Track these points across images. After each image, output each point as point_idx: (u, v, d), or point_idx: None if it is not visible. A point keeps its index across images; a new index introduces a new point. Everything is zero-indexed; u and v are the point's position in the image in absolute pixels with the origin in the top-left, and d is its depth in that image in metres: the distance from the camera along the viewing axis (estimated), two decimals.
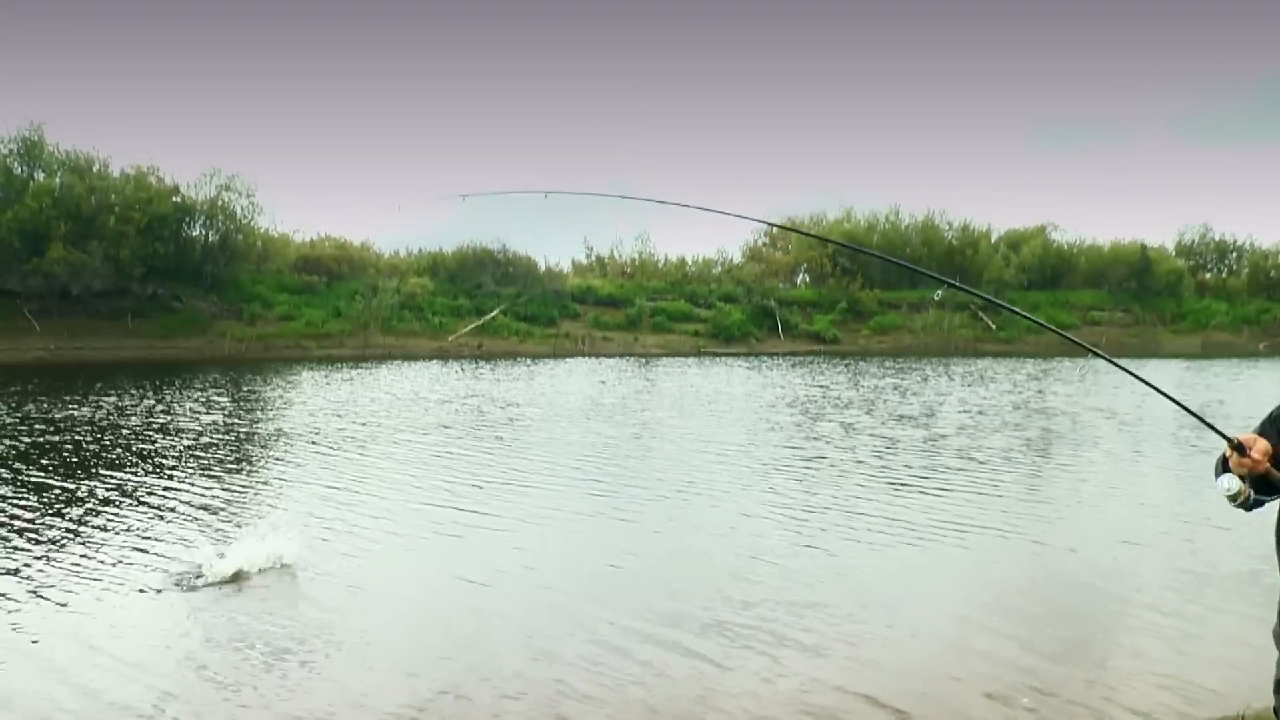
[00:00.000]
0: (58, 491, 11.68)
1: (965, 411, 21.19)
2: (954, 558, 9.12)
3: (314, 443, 15.97)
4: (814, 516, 10.67)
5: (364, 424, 18.37)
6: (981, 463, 14.41)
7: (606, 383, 28.57)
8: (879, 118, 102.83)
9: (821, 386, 27.42)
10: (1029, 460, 14.89)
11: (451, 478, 13.01)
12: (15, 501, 11.05)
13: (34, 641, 6.56)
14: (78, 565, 8.38)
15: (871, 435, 17.34)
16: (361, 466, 13.80)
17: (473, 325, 46.53)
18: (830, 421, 19.32)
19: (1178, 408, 3.50)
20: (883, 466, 14.05)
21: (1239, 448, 3.07)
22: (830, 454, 15.21)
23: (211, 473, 13.13)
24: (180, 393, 23.89)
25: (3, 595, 7.49)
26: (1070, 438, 17.27)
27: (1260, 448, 3.05)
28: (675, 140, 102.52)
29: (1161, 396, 3.52)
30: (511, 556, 8.86)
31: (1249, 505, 3.15)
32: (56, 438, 16.06)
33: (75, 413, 19.39)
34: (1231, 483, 3.10)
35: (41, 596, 7.50)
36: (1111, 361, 3.74)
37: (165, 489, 11.87)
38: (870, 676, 6.09)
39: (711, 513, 10.94)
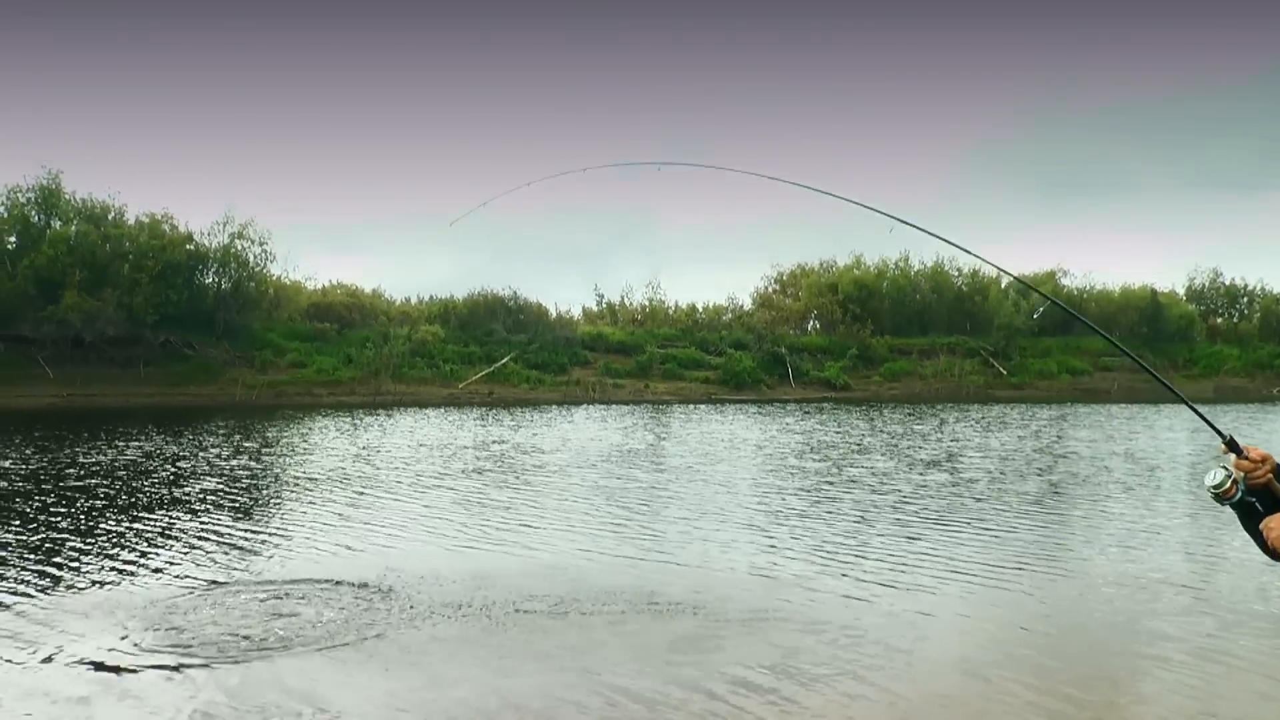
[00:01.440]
0: (66, 535, 11.59)
1: (985, 455, 21.03)
2: (982, 600, 8.97)
3: (345, 488, 15.89)
4: (835, 558, 10.53)
5: (396, 468, 18.29)
6: (1001, 506, 14.25)
7: (627, 429, 28.47)
8: (884, 168, 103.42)
9: (839, 432, 27.29)
10: (1048, 504, 14.72)
11: (493, 519, 12.90)
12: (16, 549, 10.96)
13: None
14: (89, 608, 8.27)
15: (890, 479, 17.20)
16: (404, 511, 13.70)
17: (483, 373, 46.56)
18: (852, 467, 19.18)
19: (1204, 429, 3.46)
20: (901, 510, 13.90)
21: (1232, 444, 3.13)
22: (850, 497, 15.08)
23: (233, 517, 13.03)
24: (195, 438, 23.87)
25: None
26: (1090, 481, 17.10)
27: (1259, 453, 3.07)
28: (678, 190, 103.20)
29: (1188, 410, 3.66)
30: (553, 589, 8.75)
31: (1237, 503, 3.10)
32: (63, 483, 16.01)
33: (84, 458, 19.36)
34: (1216, 474, 3.10)
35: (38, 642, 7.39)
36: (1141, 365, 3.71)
37: (198, 530, 11.78)
38: (883, 716, 5.96)
39: (734, 551, 10.81)
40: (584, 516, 13.43)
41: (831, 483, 16.89)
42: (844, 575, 9.84)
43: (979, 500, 14.93)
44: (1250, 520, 3.12)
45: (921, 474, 18.01)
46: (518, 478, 17.46)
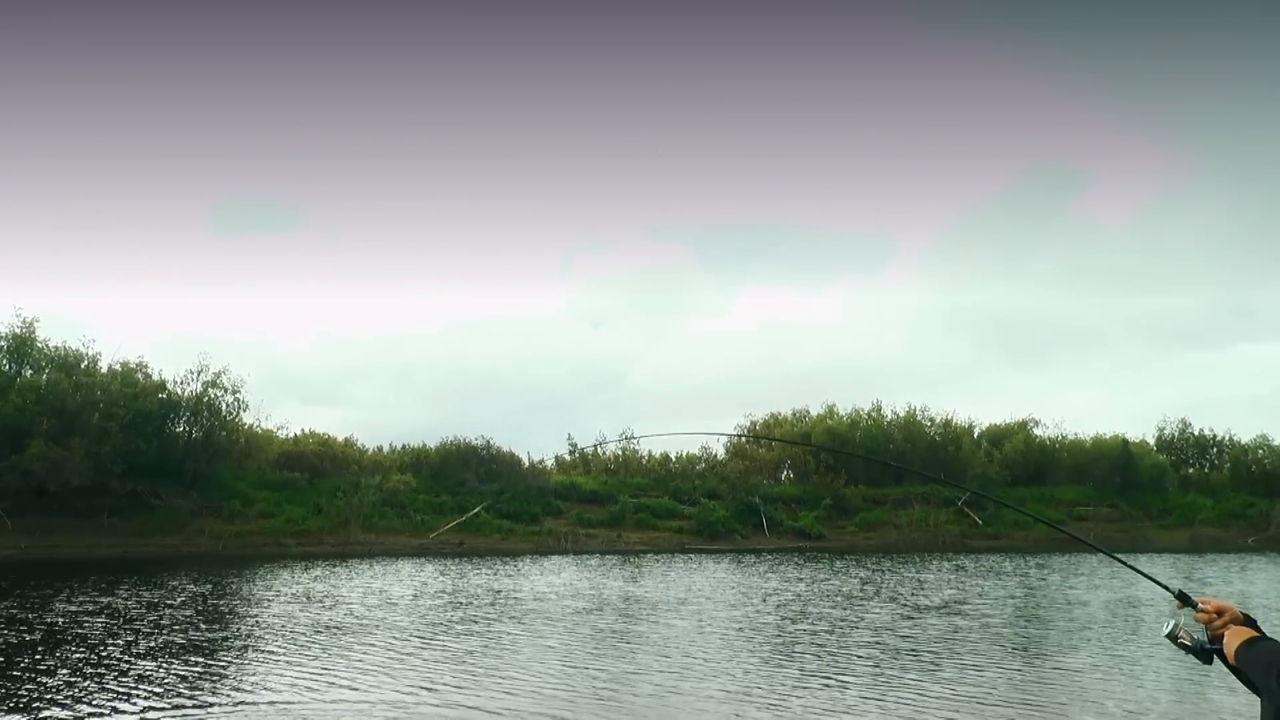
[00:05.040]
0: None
1: (962, 604, 20.76)
2: None
3: (304, 649, 15.45)
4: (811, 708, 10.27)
5: (363, 623, 17.84)
6: (980, 657, 14.01)
7: (605, 579, 27.99)
8: (853, 317, 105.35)
9: (815, 582, 26.92)
10: (1023, 654, 14.49)
11: (459, 669, 12.55)
12: None
13: None
14: None
15: (868, 630, 16.91)
16: (367, 669, 13.31)
17: (455, 522, 45.89)
18: (826, 618, 18.87)
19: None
20: (875, 661, 13.63)
21: (1182, 596, 3.29)
22: (822, 647, 14.79)
23: (184, 681, 12.63)
24: (151, 592, 23.26)
25: None
26: (1065, 630, 16.88)
27: (1214, 605, 3.18)
28: (648, 341, 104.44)
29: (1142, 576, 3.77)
30: None
31: (1199, 651, 3.21)
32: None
33: (28, 614, 18.82)
34: (1167, 624, 3.27)
35: None
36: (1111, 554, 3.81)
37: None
38: None
39: (705, 702, 10.54)
40: (557, 668, 13.10)
41: (809, 633, 16.58)
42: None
43: (961, 649, 14.67)
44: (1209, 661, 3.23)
45: (915, 620, 17.74)
46: (488, 628, 17.07)
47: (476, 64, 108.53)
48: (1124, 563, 4.03)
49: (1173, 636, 3.26)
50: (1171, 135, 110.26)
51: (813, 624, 17.91)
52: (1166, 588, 3.41)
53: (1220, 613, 3.19)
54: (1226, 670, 3.09)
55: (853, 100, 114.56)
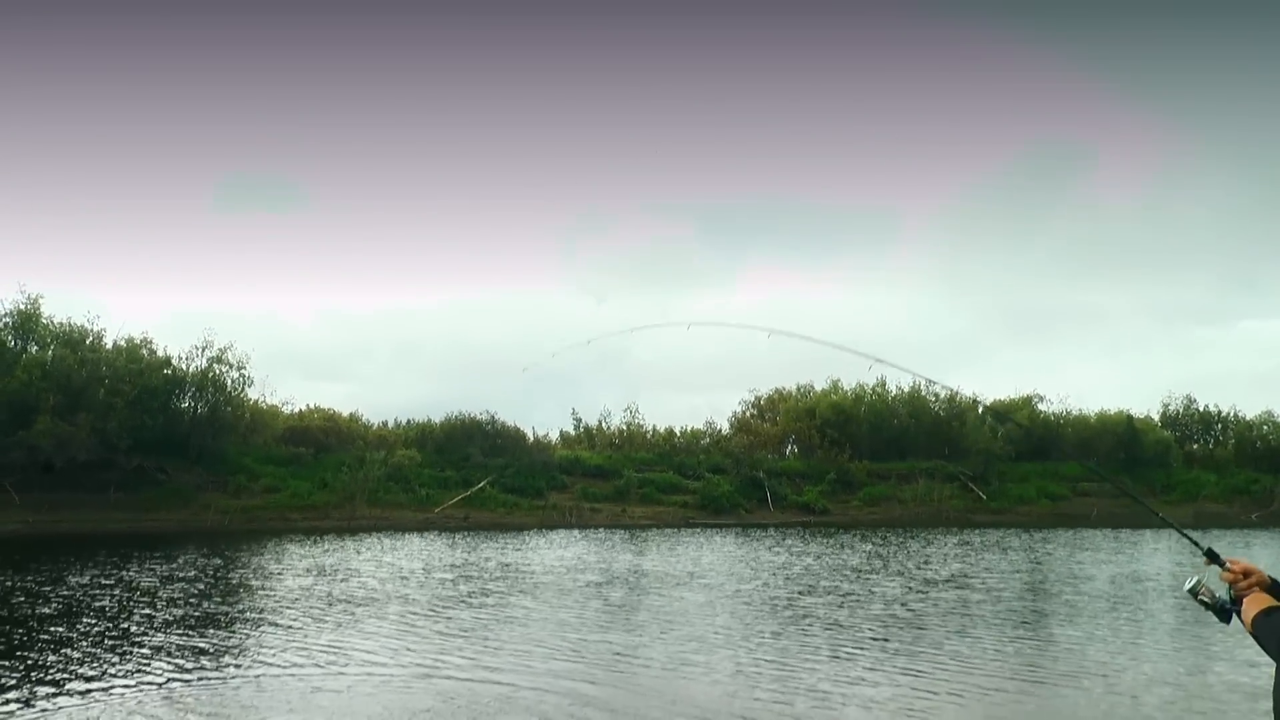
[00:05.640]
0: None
1: (972, 579, 20.83)
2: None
3: (313, 620, 15.53)
4: (809, 684, 10.32)
5: (377, 596, 17.92)
6: (989, 629, 14.06)
7: (613, 554, 28.08)
8: (857, 293, 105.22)
9: (821, 556, 27.01)
10: (1031, 627, 14.55)
11: (464, 644, 12.62)
12: None
13: None
14: None
15: (878, 603, 16.97)
16: (374, 642, 13.39)
17: (460, 497, 46.03)
18: (835, 591, 18.94)
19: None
20: (885, 634, 13.69)
21: (1211, 554, 3.36)
22: (832, 620, 14.86)
23: (195, 657, 12.69)
24: (157, 567, 23.37)
25: None
26: (1072, 603, 16.93)
27: (1241, 565, 3.25)
28: (652, 317, 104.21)
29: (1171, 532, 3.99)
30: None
31: (1219, 609, 3.30)
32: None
33: (40, 587, 18.92)
34: (1190, 580, 3.37)
35: None
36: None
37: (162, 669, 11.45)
38: None
39: (716, 675, 10.60)
40: (563, 642, 13.16)
41: (819, 607, 16.65)
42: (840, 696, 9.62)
43: (969, 622, 14.73)
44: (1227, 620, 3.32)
45: (924, 594, 17.81)
46: (502, 601, 17.15)
47: (479, 41, 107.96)
48: (1169, 522, 4.09)
49: (1194, 592, 3.34)
50: (1178, 111, 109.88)
51: (821, 597, 17.98)
52: (1197, 544, 3.51)
53: (1247, 574, 3.22)
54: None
55: (858, 76, 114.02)
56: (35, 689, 9.94)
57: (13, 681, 10.29)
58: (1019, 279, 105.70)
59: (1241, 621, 3.22)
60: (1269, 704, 3.19)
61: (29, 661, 11.35)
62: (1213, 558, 3.37)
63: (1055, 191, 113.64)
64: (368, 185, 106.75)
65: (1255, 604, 3.15)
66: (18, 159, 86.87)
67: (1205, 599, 3.33)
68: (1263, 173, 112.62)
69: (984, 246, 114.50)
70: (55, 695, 9.70)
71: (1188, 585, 3.38)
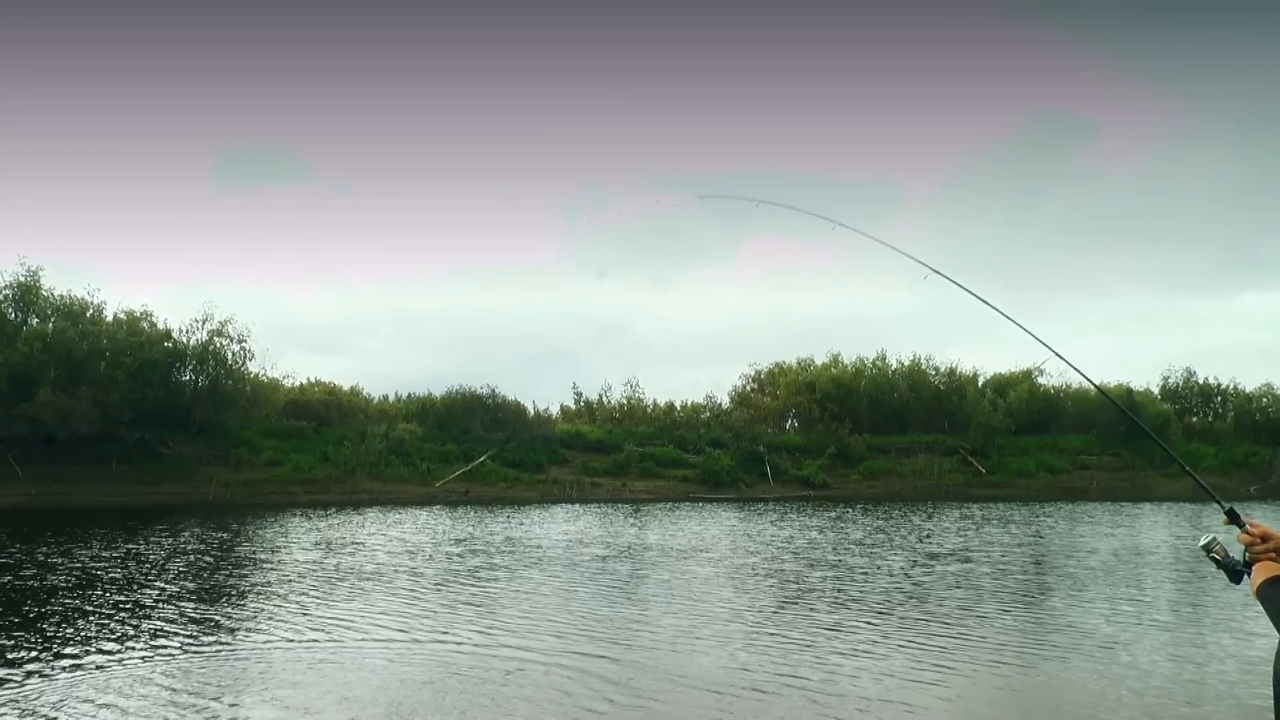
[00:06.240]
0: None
1: (972, 551, 20.92)
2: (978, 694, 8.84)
3: (319, 591, 15.58)
4: (816, 655, 10.38)
5: (384, 569, 18.00)
6: (991, 601, 14.13)
7: (617, 527, 28.17)
8: (858, 266, 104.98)
9: (823, 529, 27.11)
10: (1033, 601, 14.62)
11: (468, 615, 12.68)
12: None
13: None
14: None
15: (883, 575, 17.05)
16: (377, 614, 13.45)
17: (460, 471, 46.14)
18: (839, 564, 19.02)
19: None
20: (889, 607, 13.76)
21: (1232, 514, 3.37)
22: (838, 592, 14.93)
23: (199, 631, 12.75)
24: (160, 539, 23.43)
25: None
26: (1076, 578, 17.01)
27: (1261, 529, 3.26)
28: (651, 290, 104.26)
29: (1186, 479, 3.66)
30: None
31: (1231, 569, 3.32)
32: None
33: (45, 559, 18.98)
34: (1204, 537, 3.43)
35: None
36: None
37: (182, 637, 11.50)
38: None
39: (725, 647, 10.66)
40: (568, 614, 13.23)
41: (823, 579, 16.72)
42: (833, 670, 9.68)
43: (974, 594, 14.80)
44: (1237, 581, 3.35)
45: (928, 567, 17.88)
46: (511, 573, 17.22)
47: (481, 14, 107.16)
48: (1190, 472, 4.15)
49: (1208, 548, 3.39)
50: (1180, 84, 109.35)
51: (826, 570, 18.06)
52: (1220, 503, 3.52)
53: (1265, 539, 3.23)
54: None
55: (859, 47, 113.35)
56: (52, 661, 10.00)
57: (32, 654, 10.35)
58: (1020, 251, 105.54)
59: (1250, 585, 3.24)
60: (1269, 669, 3.22)
61: (44, 634, 11.40)
62: (1233, 518, 3.38)
63: (1056, 164, 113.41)
64: (369, 159, 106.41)
65: (1263, 571, 3.16)
66: (18, 133, 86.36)
67: (1218, 556, 3.37)
68: (1264, 145, 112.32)
69: (984, 219, 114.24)
70: (72, 667, 9.76)
71: (1202, 541, 3.42)
